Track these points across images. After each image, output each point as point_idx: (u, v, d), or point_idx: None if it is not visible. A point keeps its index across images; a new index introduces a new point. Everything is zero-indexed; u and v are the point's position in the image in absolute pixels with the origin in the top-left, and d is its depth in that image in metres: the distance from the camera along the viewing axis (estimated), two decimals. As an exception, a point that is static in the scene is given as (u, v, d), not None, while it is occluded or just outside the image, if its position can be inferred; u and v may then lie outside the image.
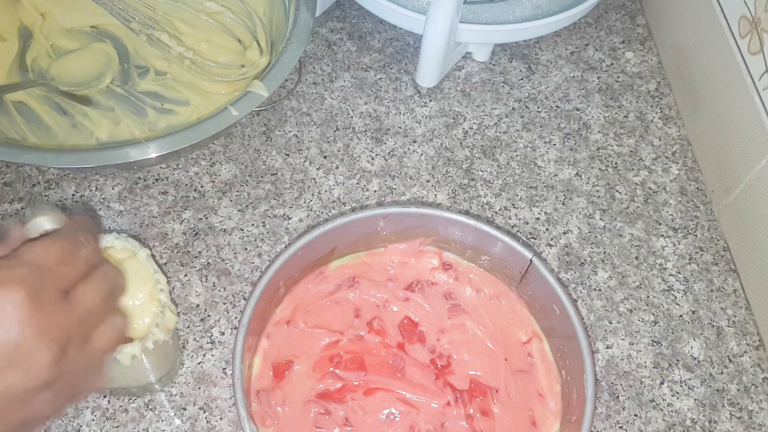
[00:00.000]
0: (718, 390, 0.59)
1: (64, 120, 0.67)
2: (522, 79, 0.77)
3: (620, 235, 0.66)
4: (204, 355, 0.57)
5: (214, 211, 0.65)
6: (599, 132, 0.73)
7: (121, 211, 0.64)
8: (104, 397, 0.55)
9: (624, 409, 0.57)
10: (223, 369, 0.57)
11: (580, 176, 0.70)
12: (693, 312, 0.62)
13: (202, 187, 0.66)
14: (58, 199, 0.65)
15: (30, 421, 0.33)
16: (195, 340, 0.58)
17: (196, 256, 0.62)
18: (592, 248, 0.65)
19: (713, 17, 0.69)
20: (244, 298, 0.60)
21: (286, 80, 0.73)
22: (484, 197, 0.68)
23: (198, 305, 0.60)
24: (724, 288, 0.64)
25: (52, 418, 0.35)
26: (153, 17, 0.71)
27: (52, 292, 0.33)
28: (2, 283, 0.31)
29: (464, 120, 0.73)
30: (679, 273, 0.65)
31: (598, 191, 0.69)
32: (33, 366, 0.31)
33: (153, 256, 0.51)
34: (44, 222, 0.38)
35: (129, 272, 0.50)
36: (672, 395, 0.58)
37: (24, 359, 0.31)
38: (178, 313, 0.59)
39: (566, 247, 0.65)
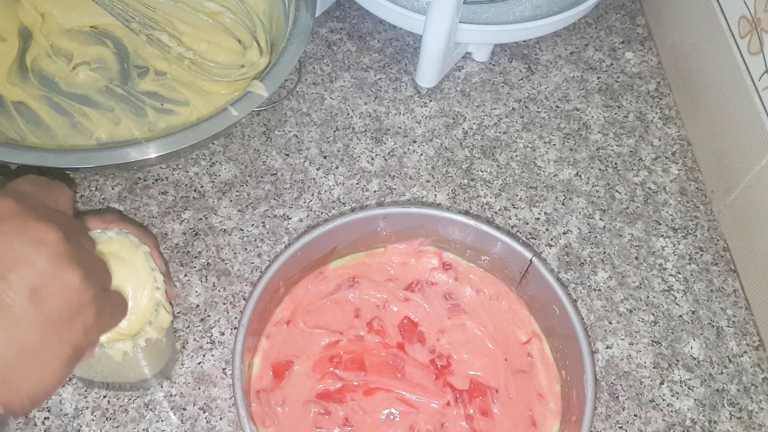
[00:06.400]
0: (718, 390, 0.59)
1: (64, 120, 0.67)
2: (522, 79, 0.77)
3: (620, 236, 0.66)
4: (204, 355, 0.57)
5: (214, 211, 0.65)
6: (599, 132, 0.73)
7: (121, 212, 0.64)
8: (104, 396, 0.55)
9: (624, 409, 0.57)
10: (223, 369, 0.57)
11: (580, 176, 0.70)
12: (693, 312, 0.63)
13: (202, 187, 0.66)
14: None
15: (83, 342, 0.39)
16: (195, 340, 0.58)
17: (196, 256, 0.62)
18: (592, 248, 0.65)
19: (713, 17, 0.69)
20: (244, 298, 0.60)
21: (286, 80, 0.73)
22: (484, 197, 0.68)
23: (198, 305, 0.60)
24: (723, 288, 0.64)
25: (97, 338, 0.41)
26: (153, 17, 0.71)
27: (71, 233, 0.39)
28: (39, 223, 0.38)
29: (464, 120, 0.73)
30: (679, 273, 0.65)
31: (597, 191, 0.69)
32: (68, 289, 0.37)
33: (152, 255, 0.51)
34: None
35: (128, 270, 0.50)
36: (672, 395, 0.58)
37: (59, 283, 0.37)
38: (178, 313, 0.59)
39: (566, 247, 0.65)
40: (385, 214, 0.56)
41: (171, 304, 0.55)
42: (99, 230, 0.49)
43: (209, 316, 0.59)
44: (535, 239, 0.66)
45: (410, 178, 0.69)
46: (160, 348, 0.51)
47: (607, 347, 0.60)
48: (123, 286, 0.49)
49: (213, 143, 0.69)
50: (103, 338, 0.46)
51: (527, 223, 0.67)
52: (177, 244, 0.63)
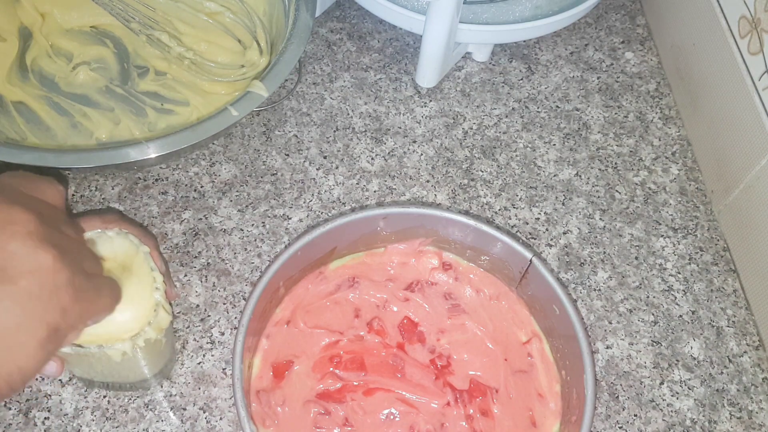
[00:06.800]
0: (717, 390, 0.59)
1: (64, 120, 0.67)
2: (522, 79, 0.77)
3: (620, 236, 0.66)
4: (204, 356, 0.57)
5: (214, 211, 0.65)
6: (599, 132, 0.73)
7: (121, 212, 0.64)
8: (104, 396, 0.55)
9: (624, 409, 0.57)
10: (223, 369, 0.57)
11: (580, 176, 0.70)
12: (693, 312, 0.63)
13: (202, 187, 0.66)
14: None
15: (62, 324, 0.38)
16: (195, 340, 0.58)
17: (196, 257, 0.62)
18: (591, 248, 0.65)
19: (713, 17, 0.69)
20: (244, 298, 0.60)
21: (286, 80, 0.73)
22: (484, 197, 0.68)
23: (198, 305, 0.60)
24: (723, 288, 0.64)
25: (79, 321, 0.41)
26: (153, 17, 0.71)
27: (48, 218, 0.39)
28: (10, 207, 0.38)
29: (464, 120, 0.73)
30: (679, 273, 0.65)
31: (597, 191, 0.69)
32: (41, 268, 0.37)
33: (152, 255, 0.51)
34: None
35: (128, 270, 0.50)
36: (672, 395, 0.58)
37: (30, 263, 0.37)
38: (178, 313, 0.59)
39: (566, 247, 0.65)
40: (385, 214, 0.56)
41: (171, 304, 0.55)
42: (99, 230, 0.49)
43: (209, 316, 0.59)
44: (535, 239, 0.66)
45: (410, 178, 0.69)
46: (160, 348, 0.51)
47: (607, 347, 0.60)
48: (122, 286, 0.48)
49: (213, 143, 0.69)
50: (102, 335, 0.46)
51: (527, 223, 0.67)
52: (177, 244, 0.63)
